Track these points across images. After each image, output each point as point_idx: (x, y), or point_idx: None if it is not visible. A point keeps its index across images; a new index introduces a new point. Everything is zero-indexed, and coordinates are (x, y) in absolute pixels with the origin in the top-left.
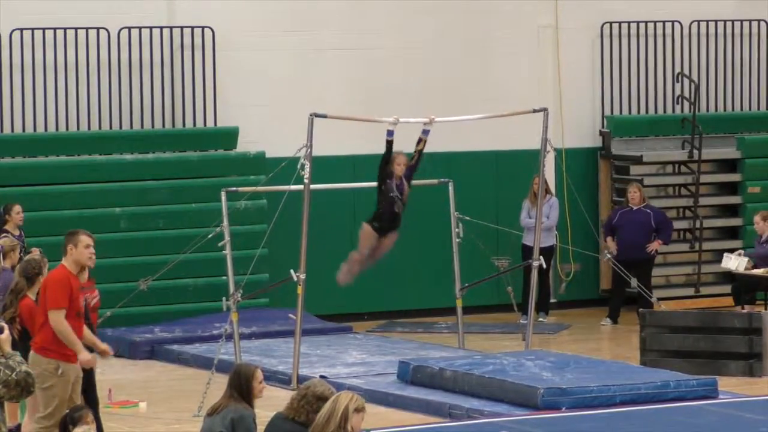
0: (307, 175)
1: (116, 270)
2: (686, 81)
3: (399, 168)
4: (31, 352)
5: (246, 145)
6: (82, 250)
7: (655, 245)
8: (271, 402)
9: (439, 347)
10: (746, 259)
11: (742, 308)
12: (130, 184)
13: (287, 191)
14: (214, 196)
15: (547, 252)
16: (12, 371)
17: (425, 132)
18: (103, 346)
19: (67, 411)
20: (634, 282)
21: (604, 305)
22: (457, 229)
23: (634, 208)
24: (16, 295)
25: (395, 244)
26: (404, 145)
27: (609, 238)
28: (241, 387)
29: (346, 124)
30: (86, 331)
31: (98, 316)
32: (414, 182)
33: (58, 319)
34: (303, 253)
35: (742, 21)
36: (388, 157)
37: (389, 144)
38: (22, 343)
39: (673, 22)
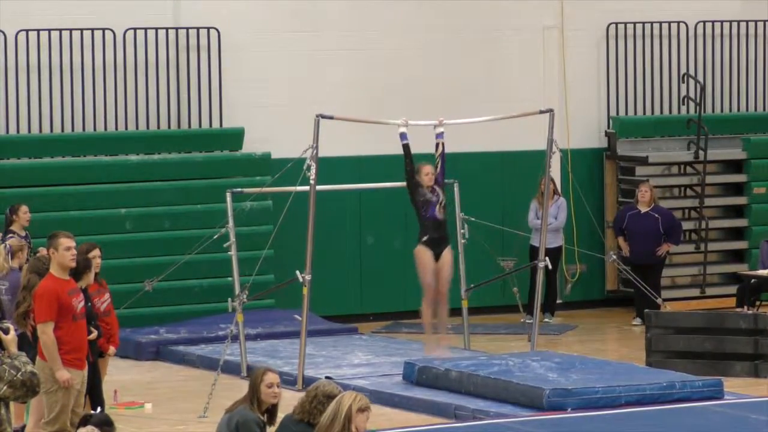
0: (312, 176)
1: (122, 271)
2: (692, 82)
3: (428, 178)
4: (37, 357)
5: (251, 146)
6: (63, 252)
7: (664, 248)
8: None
9: (445, 348)
10: None
11: (747, 309)
12: (136, 184)
13: (293, 192)
14: (220, 197)
15: (555, 253)
16: (17, 371)
17: (439, 135)
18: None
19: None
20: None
21: (610, 306)
22: (462, 230)
23: (642, 211)
24: (29, 291)
25: (402, 242)
26: (414, 147)
27: (620, 238)
28: (250, 389)
29: (352, 124)
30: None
31: (116, 319)
32: None
33: (44, 333)
34: (309, 254)
35: (747, 21)
36: (410, 164)
37: (406, 148)
38: (35, 340)
39: (678, 22)
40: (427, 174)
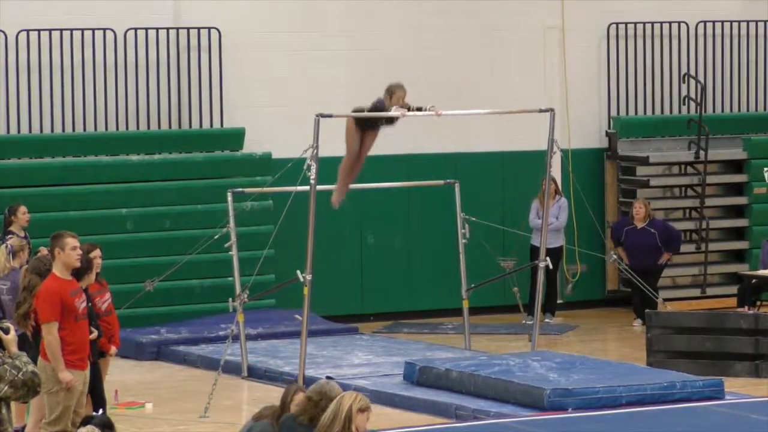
0: (313, 176)
1: (122, 271)
2: (692, 82)
3: (397, 100)
4: (39, 358)
5: (252, 146)
6: (70, 252)
7: (665, 258)
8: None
9: (446, 348)
10: None
11: (748, 309)
12: (137, 185)
13: (293, 192)
14: (221, 197)
15: (555, 253)
16: (18, 371)
17: (428, 109)
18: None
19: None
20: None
21: (611, 306)
22: (463, 230)
23: (639, 226)
24: (30, 292)
25: (403, 242)
26: (405, 143)
27: (620, 248)
28: (280, 404)
29: None
30: None
31: (117, 318)
32: (420, 183)
33: (50, 333)
34: (309, 253)
35: (748, 22)
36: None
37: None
38: (35, 340)
39: (679, 22)
40: (399, 98)
